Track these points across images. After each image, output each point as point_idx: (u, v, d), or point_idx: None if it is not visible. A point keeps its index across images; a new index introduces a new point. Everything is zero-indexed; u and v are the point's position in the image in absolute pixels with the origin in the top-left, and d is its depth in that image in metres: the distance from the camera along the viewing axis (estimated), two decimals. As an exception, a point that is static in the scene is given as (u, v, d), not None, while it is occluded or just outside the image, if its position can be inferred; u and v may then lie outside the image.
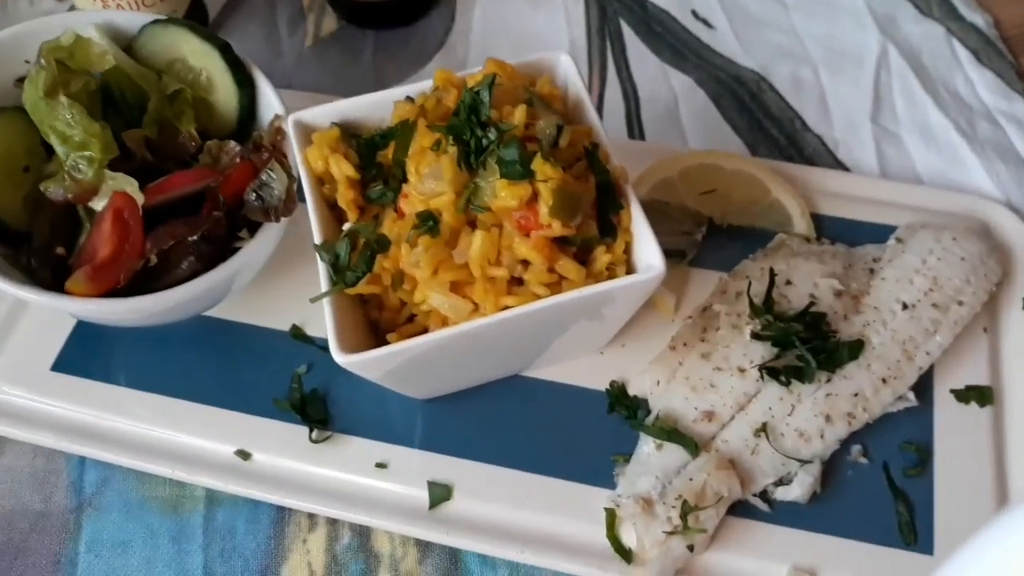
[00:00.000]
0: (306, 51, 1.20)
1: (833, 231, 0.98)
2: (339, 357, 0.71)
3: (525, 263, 0.75)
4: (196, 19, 1.18)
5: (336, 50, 1.21)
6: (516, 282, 0.75)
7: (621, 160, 0.82)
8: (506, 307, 0.73)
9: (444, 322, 0.75)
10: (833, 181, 1.02)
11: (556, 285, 0.75)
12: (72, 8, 1.13)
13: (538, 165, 0.72)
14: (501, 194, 0.72)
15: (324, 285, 0.75)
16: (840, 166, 1.07)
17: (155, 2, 1.11)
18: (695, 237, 0.97)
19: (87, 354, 0.92)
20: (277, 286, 0.93)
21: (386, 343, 0.73)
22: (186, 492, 0.87)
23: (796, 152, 1.09)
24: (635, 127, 1.11)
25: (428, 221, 0.74)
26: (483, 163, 0.74)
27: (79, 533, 0.85)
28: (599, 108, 1.12)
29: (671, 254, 0.95)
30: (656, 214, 0.95)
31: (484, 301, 0.73)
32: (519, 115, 0.75)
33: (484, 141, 0.74)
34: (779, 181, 0.99)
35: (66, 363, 0.91)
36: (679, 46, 1.19)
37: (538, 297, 0.74)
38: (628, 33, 1.21)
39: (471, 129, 0.74)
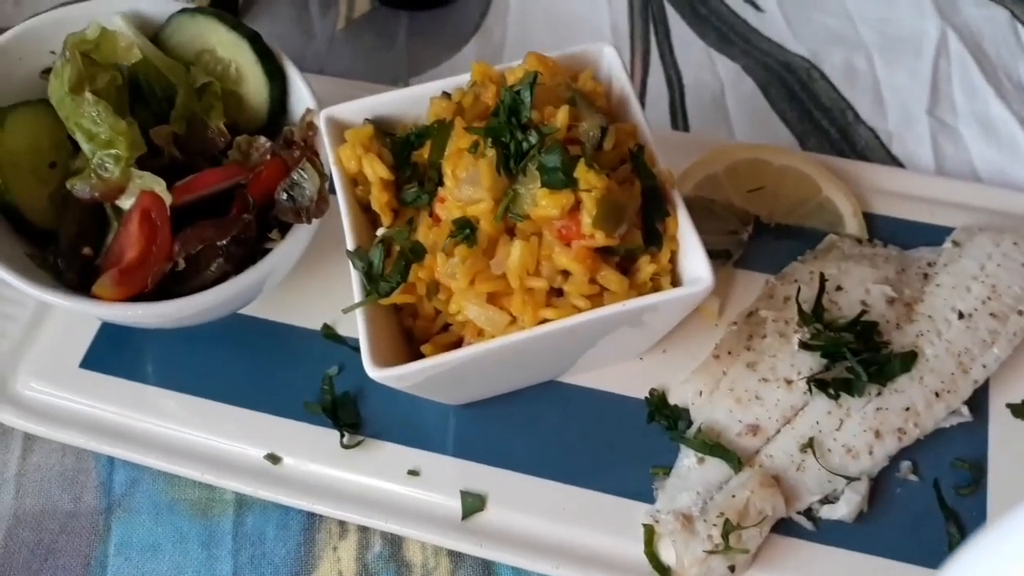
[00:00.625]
0: (338, 34, 1.17)
1: (886, 232, 0.94)
2: (372, 372, 0.69)
3: (565, 273, 0.71)
4: (225, 1, 1.14)
5: (369, 33, 1.17)
6: (555, 293, 0.72)
7: (664, 153, 0.78)
8: (544, 319, 0.71)
9: (480, 333, 0.73)
10: (887, 178, 0.97)
11: (597, 297, 0.72)
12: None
13: (581, 173, 0.69)
14: (542, 203, 0.69)
15: (357, 295, 0.72)
16: (894, 161, 1.03)
17: (184, -16, 1.08)
18: (741, 237, 0.93)
19: (116, 351, 0.90)
20: (308, 284, 0.91)
21: (419, 351, 0.71)
22: (216, 495, 0.85)
23: (848, 146, 1.04)
24: (679, 116, 1.07)
25: (465, 229, 0.71)
26: (523, 169, 0.70)
27: (108, 535, 0.84)
28: (641, 95, 1.08)
29: (716, 255, 0.91)
30: (701, 212, 0.92)
31: (522, 314, 0.70)
32: (562, 117, 0.72)
33: (524, 145, 0.71)
34: (830, 178, 0.94)
35: (95, 360, 0.90)
36: (726, 30, 1.14)
37: (578, 309, 0.71)
38: (672, 15, 1.16)
39: (511, 132, 0.71)
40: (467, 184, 0.71)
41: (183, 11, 0.87)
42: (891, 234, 0.94)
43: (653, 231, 0.74)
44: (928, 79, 1.08)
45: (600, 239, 0.69)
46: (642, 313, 0.72)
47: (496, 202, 0.70)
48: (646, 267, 0.73)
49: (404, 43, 1.15)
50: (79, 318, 0.91)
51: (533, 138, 0.70)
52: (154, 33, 0.89)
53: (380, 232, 0.75)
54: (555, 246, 0.71)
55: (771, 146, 0.97)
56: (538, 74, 0.73)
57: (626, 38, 1.13)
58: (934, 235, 0.93)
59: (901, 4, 1.15)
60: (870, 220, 0.94)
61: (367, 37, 1.17)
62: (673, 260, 0.75)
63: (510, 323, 0.71)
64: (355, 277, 0.73)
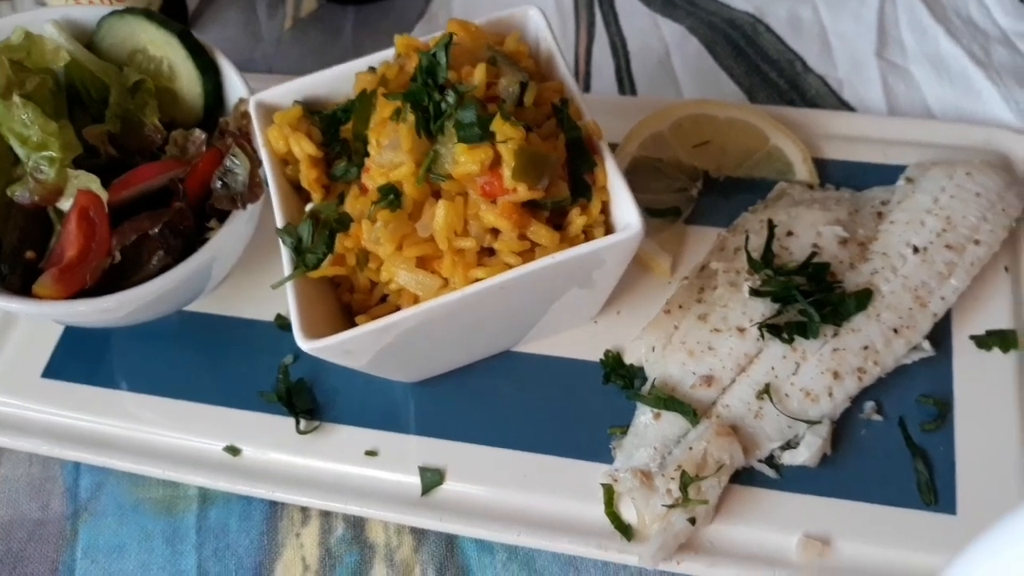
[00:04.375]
0: (285, 34, 1.17)
1: (839, 176, 0.92)
2: (303, 343, 0.68)
3: (495, 232, 0.71)
4: (175, 9, 1.16)
5: (316, 30, 1.17)
6: (488, 253, 0.72)
7: (611, 117, 0.77)
8: (477, 279, 0.70)
9: (415, 300, 0.72)
10: (836, 122, 0.96)
11: (529, 253, 0.71)
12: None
13: (497, 126, 0.68)
14: (461, 159, 0.68)
15: (287, 270, 0.72)
16: (846, 107, 1.01)
17: (128, -5, 1.09)
18: (690, 193, 0.92)
19: (76, 358, 0.91)
20: (260, 276, 0.90)
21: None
22: (179, 492, 0.85)
23: (798, 96, 1.02)
24: (626, 82, 1.06)
25: (389, 195, 0.70)
26: (442, 128, 0.70)
27: (76, 539, 0.83)
28: (587, 65, 1.07)
29: (665, 212, 0.91)
30: (647, 171, 0.92)
31: (453, 275, 0.70)
32: (479, 75, 0.71)
33: (443, 105, 0.70)
34: (777, 127, 0.93)
35: (56, 369, 0.91)
36: (670, -6, 1.13)
37: (510, 267, 0.70)
38: (616, -15, 1.15)
39: (428, 94, 0.70)
40: (389, 150, 0.71)
41: (112, 13, 0.88)
42: (844, 178, 0.92)
43: (581, 183, 0.73)
44: (875, 23, 1.06)
45: (523, 192, 0.68)
46: (576, 266, 0.71)
47: (417, 164, 0.70)
48: (577, 219, 0.72)
49: (350, 36, 1.16)
50: (40, 329, 0.92)
51: (451, 98, 0.70)
52: (90, 39, 0.89)
53: (309, 207, 0.75)
54: (481, 204, 0.70)
55: (715, 100, 0.96)
56: (452, 35, 0.73)
57: (571, 11, 1.13)
58: (888, 175, 0.91)
59: (844, -48, 1.14)
60: (822, 166, 0.93)
61: (314, 34, 1.17)
62: (606, 211, 0.74)
63: (442, 286, 0.70)
64: (285, 253, 0.73)
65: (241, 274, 0.90)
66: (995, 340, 0.81)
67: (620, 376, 0.83)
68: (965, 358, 0.81)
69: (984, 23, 1.05)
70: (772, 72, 1.04)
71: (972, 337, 0.82)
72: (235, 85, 0.87)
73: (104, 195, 0.79)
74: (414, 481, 0.80)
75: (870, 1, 1.08)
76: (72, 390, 0.89)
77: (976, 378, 0.80)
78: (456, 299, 0.68)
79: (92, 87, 0.86)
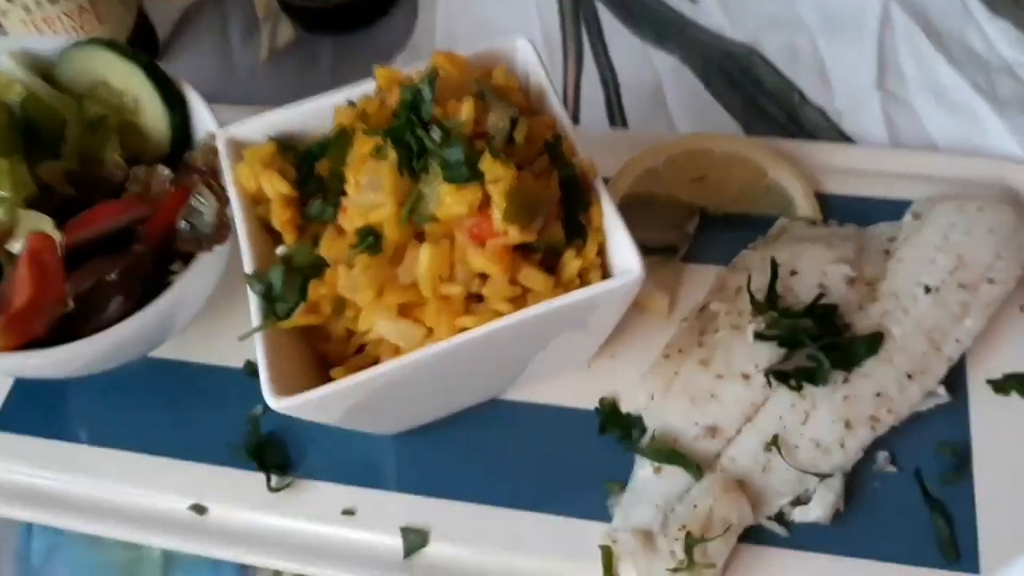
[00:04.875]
0: (261, 65, 1.12)
1: (842, 211, 0.88)
2: (273, 401, 0.63)
3: (483, 277, 0.65)
4: (144, 41, 1.11)
5: (293, 60, 1.13)
6: (476, 300, 0.66)
7: (602, 152, 0.72)
8: (464, 329, 0.64)
9: (397, 351, 0.66)
10: (837, 155, 0.92)
11: (521, 299, 0.66)
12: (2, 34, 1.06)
13: (487, 165, 0.63)
14: (447, 200, 0.63)
15: (255, 320, 0.66)
16: (846, 140, 0.97)
17: (94, 26, 1.03)
18: (686, 230, 0.87)
19: (30, 409, 0.85)
20: (227, 320, 0.83)
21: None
22: (141, 554, 0.79)
23: (796, 128, 0.99)
24: (616, 115, 1.01)
25: (368, 237, 0.65)
26: (426, 167, 0.65)
27: (26, 611, 0.77)
28: (576, 99, 1.03)
29: (661, 250, 0.86)
30: (641, 208, 0.87)
31: (437, 324, 0.64)
32: (466, 110, 0.67)
33: (427, 142, 0.65)
34: (776, 160, 0.89)
35: (7, 421, 0.85)
36: (661, 25, 1.09)
37: (500, 314, 0.64)
38: (605, 15, 1.11)
39: (412, 130, 0.66)
40: (368, 189, 0.66)
41: (74, 45, 0.82)
42: (847, 213, 0.88)
43: (576, 224, 0.69)
44: (874, 52, 1.03)
45: (514, 235, 0.63)
46: (571, 313, 0.66)
47: (399, 205, 0.65)
48: (571, 263, 0.67)
49: (330, 67, 1.11)
50: (-9, 379, 0.86)
51: (436, 134, 0.65)
52: (48, 70, 0.84)
53: (280, 251, 0.69)
54: (468, 248, 0.65)
55: (711, 134, 0.92)
56: (438, 68, 0.68)
57: (558, 43, 1.09)
58: (893, 211, 0.87)
59: (839, -19, 1.10)
60: (824, 201, 0.88)
61: (291, 64, 1.12)
62: (602, 254, 0.69)
63: (426, 336, 0.65)
64: (253, 302, 0.67)
65: (209, 316, 0.84)
66: (1014, 384, 0.77)
67: (617, 426, 0.77)
68: (983, 404, 0.77)
69: (986, 53, 1.01)
70: (769, 105, 1.00)
71: (989, 381, 0.77)
72: (204, 119, 0.82)
73: (58, 236, 0.73)
74: (396, 543, 0.74)
75: (868, 30, 1.04)
76: (26, 443, 0.83)
77: (995, 424, 0.75)
78: (442, 350, 0.63)
79: (49, 122, 0.80)
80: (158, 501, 0.79)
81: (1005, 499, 0.72)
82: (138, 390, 0.84)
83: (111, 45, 0.82)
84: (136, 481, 0.80)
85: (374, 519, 0.75)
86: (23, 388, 0.86)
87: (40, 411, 0.84)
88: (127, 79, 0.82)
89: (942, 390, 0.76)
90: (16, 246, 0.74)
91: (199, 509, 0.78)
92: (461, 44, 0.94)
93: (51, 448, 0.82)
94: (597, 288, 0.65)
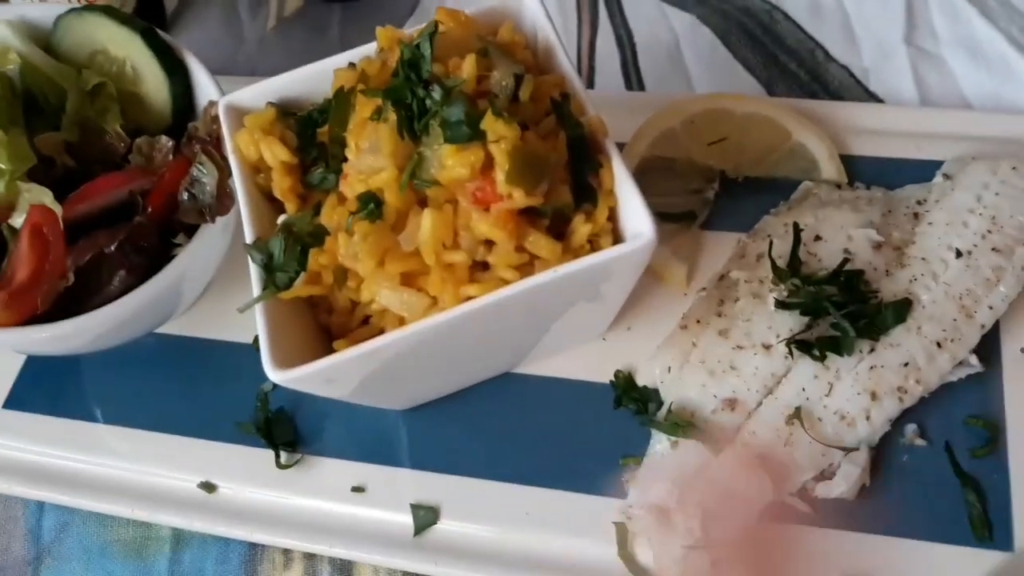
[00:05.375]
0: (269, 34, 1.10)
1: (868, 174, 0.85)
2: (273, 373, 0.61)
3: (489, 244, 0.63)
4: (150, 11, 1.08)
5: (301, 28, 1.11)
6: (481, 268, 0.64)
7: (617, 116, 0.70)
8: (469, 297, 0.62)
9: (401, 322, 0.64)
10: (864, 115, 0.88)
11: (528, 266, 0.63)
12: None
13: (489, 124, 0.60)
14: (448, 162, 0.61)
15: (256, 290, 0.64)
16: (873, 99, 0.93)
17: (99, -5, 1.01)
18: (706, 195, 0.84)
19: (40, 388, 0.85)
20: (237, 293, 0.81)
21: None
22: (150, 533, 0.78)
23: (820, 88, 0.95)
24: (633, 77, 0.98)
25: (369, 204, 0.63)
26: (427, 128, 0.62)
27: (37, 587, 0.76)
28: (590, 60, 1.00)
29: (679, 217, 0.83)
30: (658, 173, 0.85)
31: (442, 293, 0.62)
32: (468, 67, 0.64)
33: (428, 102, 0.62)
34: (800, 121, 0.85)
35: (18, 400, 0.84)
36: (678, -18, 1.06)
37: (506, 282, 0.62)
38: (621, -25, 1.07)
39: (411, 89, 0.63)
40: (369, 153, 0.63)
41: (70, 11, 0.81)
42: (874, 175, 0.84)
43: (586, 186, 0.66)
44: (902, 6, 0.98)
45: (519, 198, 0.61)
46: (581, 280, 0.63)
47: (400, 169, 0.62)
48: (581, 228, 0.64)
49: (337, 34, 1.08)
50: (0, 356, 0.85)
51: (437, 94, 0.62)
52: (47, 39, 0.82)
53: (281, 219, 0.67)
54: (472, 213, 0.62)
55: (731, 94, 0.88)
56: (438, 24, 0.65)
57: (572, 3, 1.05)
58: (923, 172, 0.83)
59: (865, -68, 1.06)
60: (849, 163, 0.85)
61: (299, 33, 1.10)
62: (613, 217, 0.67)
63: (430, 306, 0.63)
64: (254, 272, 0.65)
65: (218, 292, 0.83)
66: (1051, 353, 0.73)
67: (632, 400, 0.75)
68: (1017, 373, 0.73)
69: (1021, 3, 0.96)
70: (791, 63, 0.96)
71: (1023, 350, 0.74)
72: (206, 87, 0.80)
73: (58, 210, 0.72)
74: (406, 520, 0.73)
75: (896, -18, 1.00)
76: (35, 422, 0.82)
77: (1030, 395, 0.72)
78: (446, 320, 0.61)
79: (49, 92, 0.79)
80: (167, 479, 0.78)
81: (1042, 473, 0.69)
82: (148, 367, 0.83)
83: (108, 11, 0.80)
84: (145, 459, 0.79)
85: (384, 496, 0.74)
86: (33, 367, 0.85)
87: (50, 390, 0.84)
88: (126, 46, 0.80)
89: (974, 359, 0.72)
90: (18, 220, 0.73)
91: (208, 487, 0.77)
92: (472, 6, 0.92)
93: (61, 427, 0.82)
94: (608, 253, 0.62)
